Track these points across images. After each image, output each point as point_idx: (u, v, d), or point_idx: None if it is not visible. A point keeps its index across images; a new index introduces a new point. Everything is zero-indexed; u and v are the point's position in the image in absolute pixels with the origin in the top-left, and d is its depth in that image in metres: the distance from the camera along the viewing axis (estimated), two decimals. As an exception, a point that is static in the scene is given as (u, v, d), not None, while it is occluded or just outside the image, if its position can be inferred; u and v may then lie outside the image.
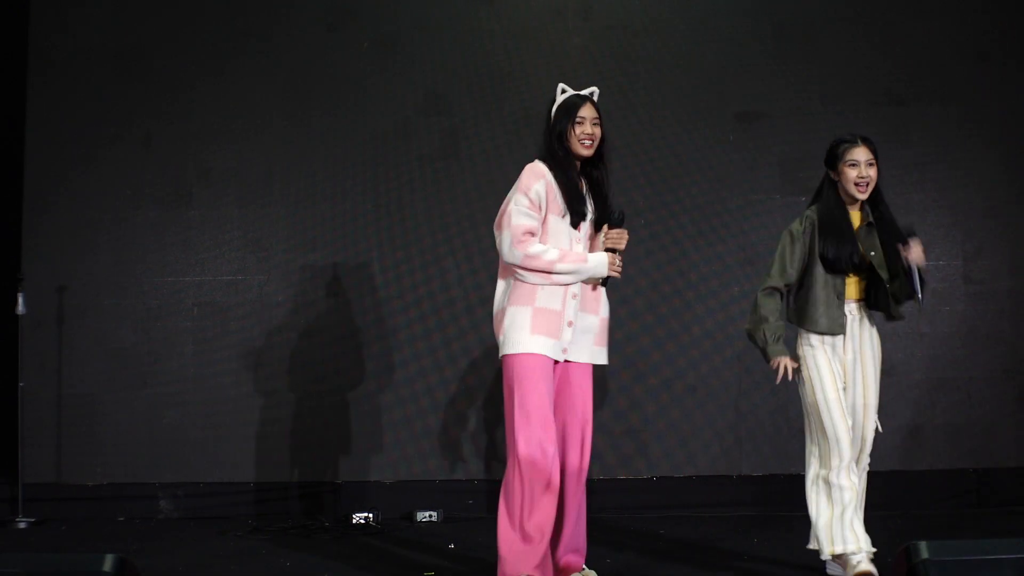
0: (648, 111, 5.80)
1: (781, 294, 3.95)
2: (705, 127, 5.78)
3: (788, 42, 5.81)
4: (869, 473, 5.20)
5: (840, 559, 3.91)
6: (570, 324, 3.68)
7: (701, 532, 4.98)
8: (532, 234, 3.63)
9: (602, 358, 3.85)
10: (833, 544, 3.87)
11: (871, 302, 3.96)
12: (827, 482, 3.92)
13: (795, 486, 5.57)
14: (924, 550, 2.73)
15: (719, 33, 5.83)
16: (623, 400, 5.65)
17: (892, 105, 5.77)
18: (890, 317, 3.97)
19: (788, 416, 5.63)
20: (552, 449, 3.56)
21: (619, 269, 3.75)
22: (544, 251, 3.62)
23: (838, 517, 3.88)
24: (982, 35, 5.79)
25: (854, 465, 3.95)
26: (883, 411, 5.59)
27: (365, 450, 5.67)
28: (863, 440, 3.99)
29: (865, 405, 3.96)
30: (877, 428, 4.01)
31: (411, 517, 5.45)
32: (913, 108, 5.77)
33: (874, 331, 4.01)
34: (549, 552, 3.67)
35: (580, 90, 3.84)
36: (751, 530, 5.00)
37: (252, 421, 5.69)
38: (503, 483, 3.63)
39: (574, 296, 3.70)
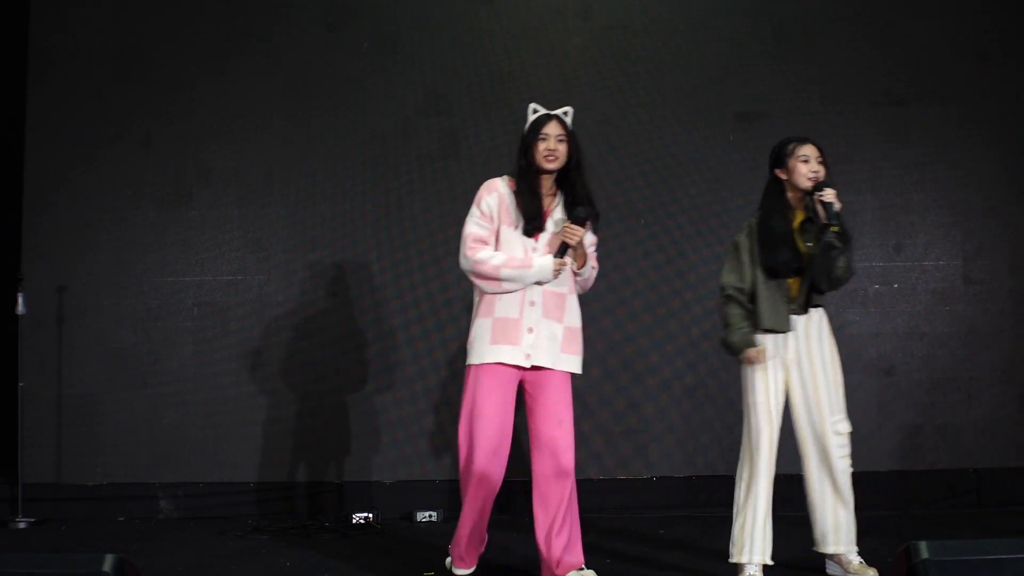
0: (648, 111, 5.80)
1: (740, 302, 3.95)
2: (705, 127, 5.79)
3: (788, 42, 5.82)
4: (869, 473, 5.20)
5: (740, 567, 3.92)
6: (530, 331, 3.81)
7: (701, 532, 4.98)
8: (483, 242, 3.86)
9: (571, 365, 3.89)
10: (738, 552, 3.92)
11: (810, 288, 3.93)
12: (747, 486, 3.95)
13: (795, 486, 5.58)
14: (924, 550, 2.72)
15: (719, 33, 5.83)
16: (622, 401, 5.66)
17: (892, 105, 5.77)
18: (820, 290, 3.93)
19: (786, 416, 5.61)
20: (488, 455, 3.80)
21: (560, 268, 3.81)
22: (490, 257, 3.82)
23: (746, 525, 3.92)
24: (982, 35, 5.80)
25: (769, 471, 3.95)
26: (883, 411, 5.65)
27: (365, 450, 5.67)
28: (823, 439, 3.94)
29: (818, 403, 3.93)
30: (836, 429, 3.95)
31: (411, 517, 5.45)
32: (913, 108, 5.77)
33: (824, 328, 3.98)
34: (474, 543, 3.96)
35: (557, 101, 4.00)
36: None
37: (252, 421, 5.69)
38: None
39: (532, 303, 3.82)
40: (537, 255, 3.82)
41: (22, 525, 5.34)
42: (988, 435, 5.62)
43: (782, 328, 3.91)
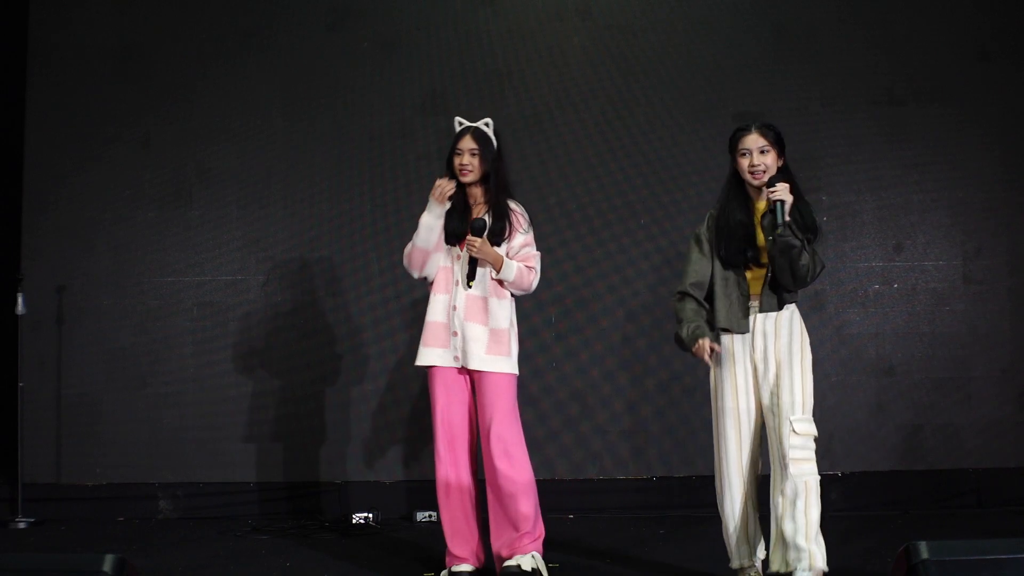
0: (648, 111, 5.80)
1: (695, 298, 3.81)
2: (705, 127, 5.78)
3: (788, 42, 5.81)
4: (869, 473, 5.20)
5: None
6: (455, 334, 4.05)
7: (700, 533, 4.98)
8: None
9: (499, 366, 4.03)
10: (732, 557, 3.87)
11: (773, 286, 3.74)
12: (720, 494, 3.86)
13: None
14: (924, 550, 2.72)
15: (719, 33, 5.83)
16: (620, 402, 5.65)
17: (892, 105, 5.77)
18: (786, 290, 3.74)
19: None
20: (444, 453, 4.09)
21: (472, 250, 4.00)
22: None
23: (728, 531, 3.84)
24: (982, 35, 5.79)
25: (753, 481, 3.82)
26: (883, 411, 5.64)
27: (365, 450, 5.67)
28: (779, 443, 3.67)
29: (779, 405, 3.69)
30: (794, 428, 3.64)
31: (411, 517, 5.45)
32: (913, 108, 5.77)
33: (795, 328, 3.78)
34: (459, 541, 4.11)
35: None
36: (751, 530, 4.98)
37: (252, 421, 5.69)
38: None
39: (454, 308, 4.05)
40: (460, 262, 4.08)
41: (22, 525, 5.34)
42: (988, 435, 5.62)
43: (738, 329, 3.74)
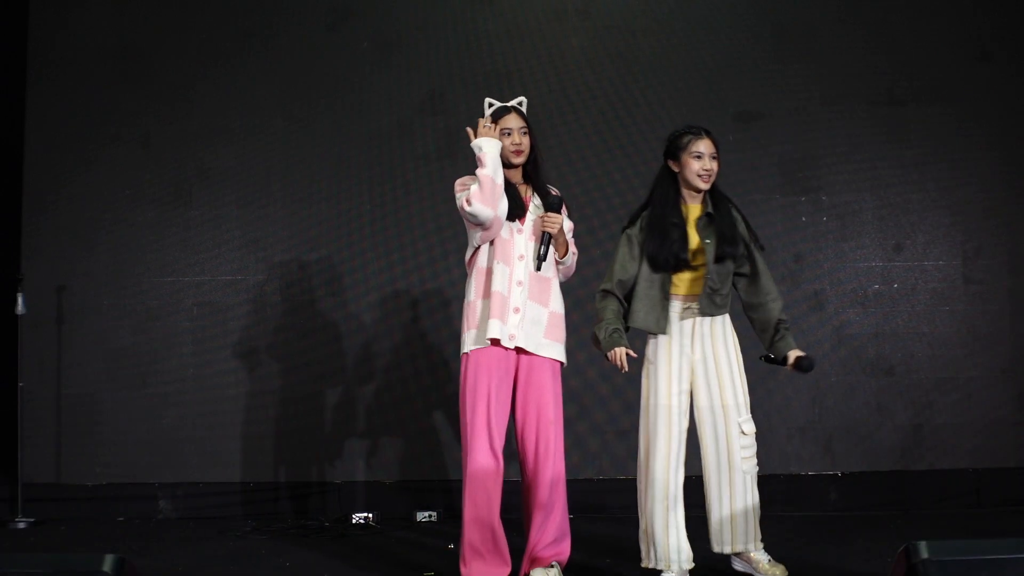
0: (648, 111, 5.80)
1: (617, 297, 3.84)
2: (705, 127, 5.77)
3: (788, 42, 5.82)
4: (869, 473, 5.21)
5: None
6: (516, 311, 3.78)
7: (701, 532, 4.97)
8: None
9: (554, 352, 3.86)
10: (647, 557, 3.86)
11: (711, 293, 3.81)
12: (645, 491, 3.83)
13: (794, 486, 5.60)
14: (924, 550, 2.72)
15: (719, 33, 5.83)
16: (618, 403, 5.65)
17: (892, 105, 5.77)
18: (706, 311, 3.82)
19: (785, 416, 5.63)
20: (494, 441, 3.75)
21: (551, 226, 3.79)
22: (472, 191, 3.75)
23: (649, 531, 3.83)
24: (982, 35, 5.80)
25: (679, 481, 3.84)
26: (883, 411, 5.65)
27: (365, 450, 5.67)
28: (728, 440, 3.81)
29: (724, 406, 3.81)
30: (742, 429, 3.83)
31: (411, 517, 5.45)
32: (913, 108, 5.77)
33: (728, 330, 3.89)
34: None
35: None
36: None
37: (252, 421, 5.69)
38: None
39: (519, 283, 3.79)
40: (522, 236, 3.82)
41: (22, 525, 5.34)
42: (988, 435, 5.62)
43: (656, 329, 3.78)
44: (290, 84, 5.84)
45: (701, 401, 3.83)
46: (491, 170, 3.74)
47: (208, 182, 5.81)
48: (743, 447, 3.83)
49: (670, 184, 3.92)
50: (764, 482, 5.55)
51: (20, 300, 5.44)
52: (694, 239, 3.82)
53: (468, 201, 3.73)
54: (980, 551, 2.73)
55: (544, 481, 3.81)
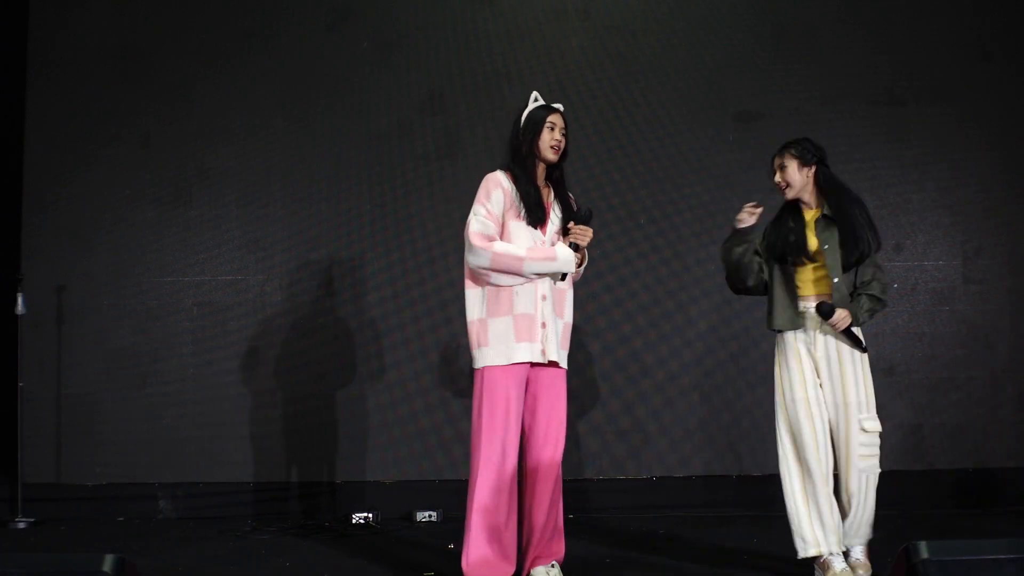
0: (648, 111, 5.80)
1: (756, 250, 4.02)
2: (705, 127, 5.79)
3: (788, 42, 5.82)
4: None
5: (820, 563, 3.87)
6: (543, 326, 3.80)
7: (701, 532, 4.98)
8: (491, 239, 3.76)
9: (565, 360, 3.92)
10: (817, 545, 3.84)
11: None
12: (802, 484, 3.88)
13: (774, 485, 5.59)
14: (924, 550, 2.72)
15: (719, 33, 5.83)
16: (617, 403, 5.65)
17: (892, 105, 5.78)
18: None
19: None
20: (512, 455, 3.77)
21: (583, 239, 3.81)
22: (510, 249, 3.73)
23: (813, 518, 3.85)
24: (982, 35, 5.80)
25: (830, 466, 3.85)
26: (883, 411, 5.62)
27: (364, 450, 5.67)
28: (847, 440, 3.84)
29: (847, 403, 3.85)
30: (863, 426, 3.84)
31: (411, 517, 5.45)
32: (913, 108, 5.78)
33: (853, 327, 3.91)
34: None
35: (553, 102, 3.98)
36: (750, 530, 4.99)
37: (252, 421, 5.69)
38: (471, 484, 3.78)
39: (544, 298, 3.80)
40: (559, 247, 3.79)
41: (22, 525, 5.34)
42: (988, 435, 5.62)
43: (789, 327, 3.90)
44: (290, 84, 5.84)
45: (825, 397, 3.90)
46: (550, 266, 3.75)
47: (208, 182, 5.81)
48: (862, 444, 3.83)
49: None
50: (764, 482, 5.58)
51: (20, 300, 5.44)
52: (812, 242, 3.91)
53: (482, 242, 3.72)
54: (980, 551, 2.73)
55: (551, 482, 3.86)
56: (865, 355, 3.91)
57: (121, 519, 5.58)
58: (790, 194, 3.96)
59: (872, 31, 5.81)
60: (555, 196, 3.92)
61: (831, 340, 3.88)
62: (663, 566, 4.28)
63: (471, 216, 3.79)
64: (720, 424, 5.65)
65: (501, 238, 3.79)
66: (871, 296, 3.87)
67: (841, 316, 3.78)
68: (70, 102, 5.80)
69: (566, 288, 3.90)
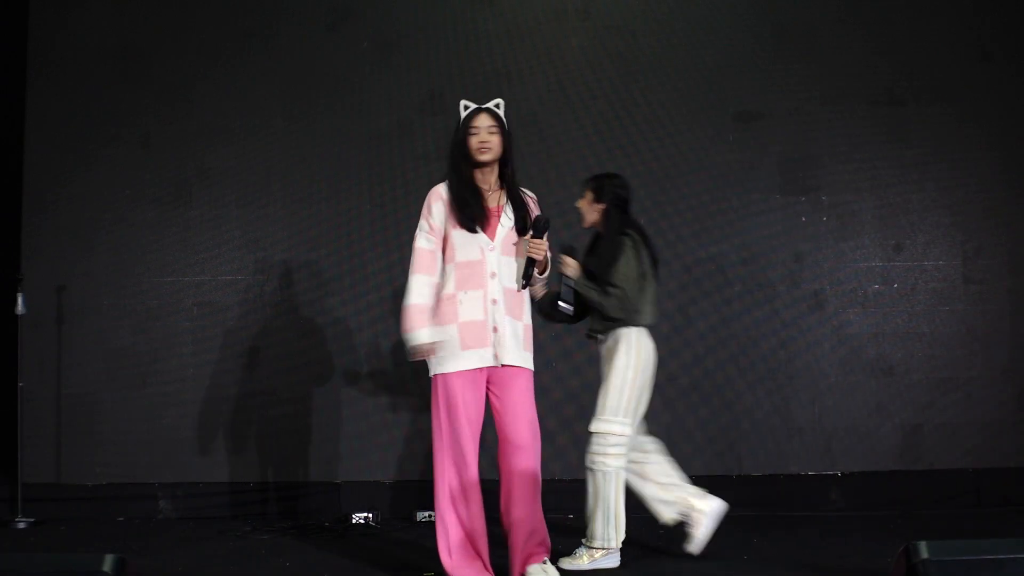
0: (648, 111, 5.80)
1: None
2: (705, 127, 5.79)
3: (788, 42, 5.82)
4: (869, 473, 5.21)
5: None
6: (495, 329, 3.82)
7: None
8: (431, 255, 3.90)
9: (529, 362, 3.92)
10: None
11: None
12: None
13: (794, 486, 5.60)
14: (924, 550, 2.73)
15: (719, 33, 5.83)
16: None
17: (892, 105, 5.77)
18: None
19: (785, 416, 5.63)
20: (472, 459, 3.86)
21: (537, 253, 3.86)
22: (411, 289, 3.88)
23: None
24: (982, 35, 5.80)
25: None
26: (883, 411, 5.65)
27: (365, 450, 5.67)
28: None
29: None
30: (591, 426, 4.22)
31: (411, 517, 5.45)
32: (913, 108, 5.77)
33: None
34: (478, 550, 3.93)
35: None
36: (750, 530, 4.99)
37: (252, 421, 5.69)
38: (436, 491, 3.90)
39: (494, 302, 3.83)
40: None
41: (22, 525, 5.34)
42: (988, 435, 5.62)
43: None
44: (290, 84, 5.84)
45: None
46: (405, 332, 3.87)
47: (208, 182, 5.81)
48: (591, 442, 4.21)
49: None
50: (763, 482, 5.59)
51: (20, 300, 5.44)
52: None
53: (416, 266, 3.90)
54: (980, 551, 2.73)
55: (527, 481, 3.86)
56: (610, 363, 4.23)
57: (121, 519, 5.57)
58: (585, 224, 4.39)
59: (872, 31, 5.81)
60: (508, 197, 3.91)
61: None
62: (663, 566, 4.28)
63: (417, 231, 3.94)
64: (720, 424, 5.65)
65: (444, 248, 3.90)
66: (591, 287, 4.20)
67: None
68: (70, 102, 5.80)
69: (523, 292, 3.92)
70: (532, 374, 3.93)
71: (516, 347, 3.84)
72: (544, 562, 3.89)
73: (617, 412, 4.18)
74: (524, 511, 3.86)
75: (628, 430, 4.19)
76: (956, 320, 5.70)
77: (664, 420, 5.67)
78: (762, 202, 5.74)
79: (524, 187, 4.01)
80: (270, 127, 5.82)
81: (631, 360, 4.22)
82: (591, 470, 4.18)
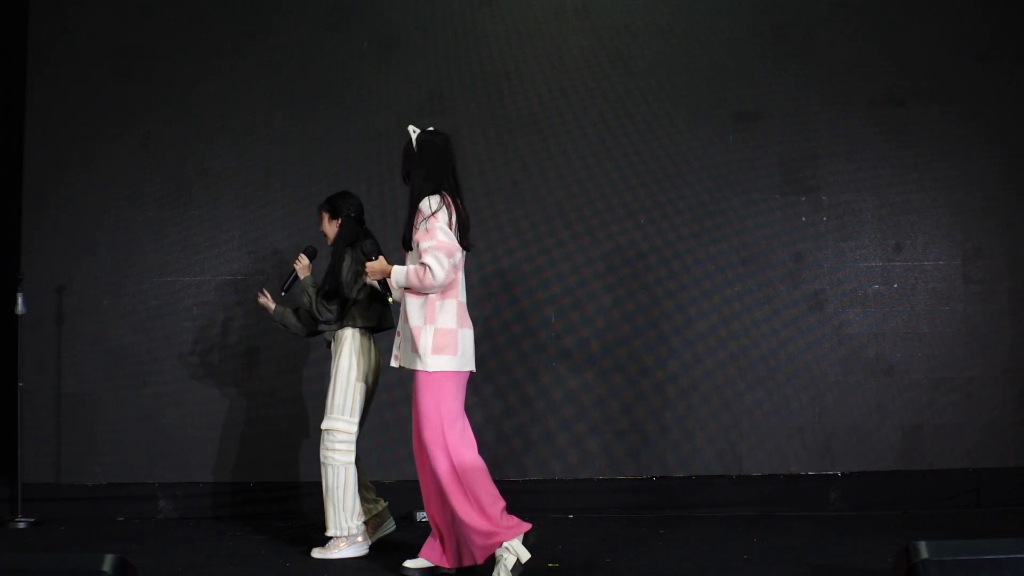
0: (648, 111, 5.80)
1: None
2: (705, 127, 5.79)
3: (788, 42, 5.82)
4: (869, 473, 5.21)
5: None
6: (398, 333, 4.26)
7: (701, 532, 4.98)
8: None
9: (418, 363, 4.11)
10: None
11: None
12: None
13: (794, 486, 5.60)
14: (924, 550, 2.73)
15: (719, 33, 5.83)
16: (616, 403, 5.65)
17: (892, 105, 5.78)
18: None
19: (785, 416, 5.63)
20: (420, 459, 4.31)
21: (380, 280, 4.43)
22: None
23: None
24: (982, 35, 5.80)
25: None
26: (883, 411, 5.66)
27: (365, 450, 5.65)
28: None
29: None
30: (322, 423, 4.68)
31: (411, 517, 5.44)
32: (913, 108, 5.77)
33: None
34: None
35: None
36: (750, 530, 5.00)
37: (252, 421, 5.69)
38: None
39: (399, 305, 4.25)
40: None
41: (22, 525, 5.34)
42: (988, 435, 5.63)
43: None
44: (290, 84, 5.84)
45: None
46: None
47: (208, 182, 5.81)
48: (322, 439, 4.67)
49: None
50: (763, 481, 5.58)
51: (20, 300, 5.43)
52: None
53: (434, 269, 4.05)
54: (980, 551, 2.73)
55: (430, 486, 4.31)
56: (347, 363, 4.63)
57: (121, 519, 5.57)
58: (330, 243, 4.79)
59: (872, 31, 5.81)
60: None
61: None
62: (663, 566, 4.28)
63: (438, 227, 4.11)
64: (720, 424, 5.65)
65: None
66: (314, 301, 4.75)
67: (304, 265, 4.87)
68: (70, 102, 5.80)
69: (407, 296, 4.16)
70: (426, 375, 4.09)
71: (408, 350, 4.15)
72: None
73: (344, 411, 4.60)
74: (436, 514, 4.27)
75: (353, 427, 4.63)
76: (956, 320, 5.70)
77: (664, 419, 5.67)
78: (762, 202, 5.74)
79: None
80: (270, 127, 5.82)
81: (352, 361, 4.61)
82: (323, 464, 4.63)
